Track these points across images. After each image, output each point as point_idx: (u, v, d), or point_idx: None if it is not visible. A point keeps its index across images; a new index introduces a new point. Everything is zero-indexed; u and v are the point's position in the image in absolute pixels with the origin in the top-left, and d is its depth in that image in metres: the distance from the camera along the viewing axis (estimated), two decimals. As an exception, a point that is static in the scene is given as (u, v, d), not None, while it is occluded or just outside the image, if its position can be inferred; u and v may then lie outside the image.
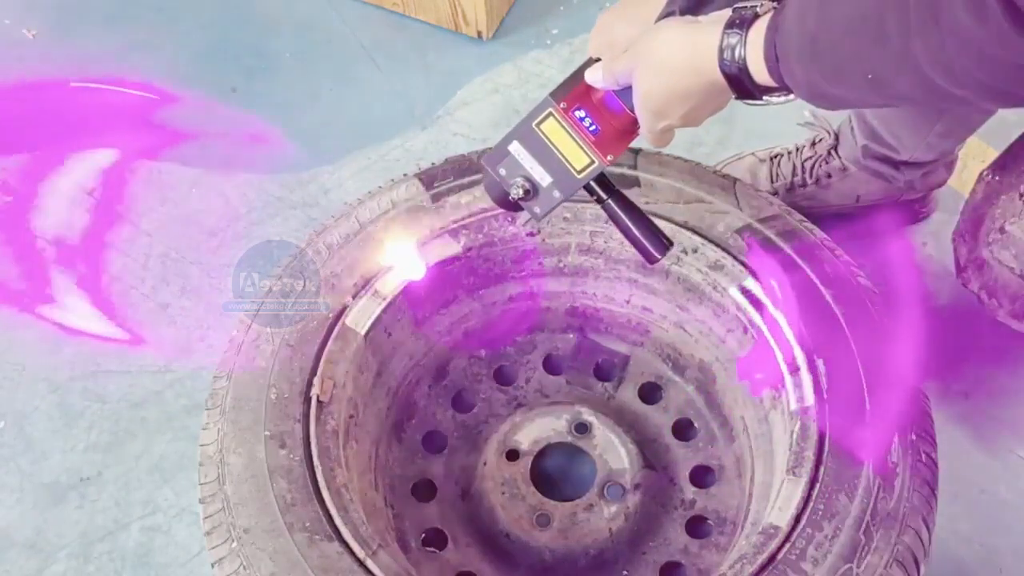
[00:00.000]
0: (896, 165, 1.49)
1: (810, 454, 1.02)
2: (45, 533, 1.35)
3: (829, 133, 1.56)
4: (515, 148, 1.00)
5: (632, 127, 0.98)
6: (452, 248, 1.20)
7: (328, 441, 1.06)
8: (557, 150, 0.98)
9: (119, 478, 1.39)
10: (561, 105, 0.97)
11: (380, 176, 1.70)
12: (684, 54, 0.87)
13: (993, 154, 1.43)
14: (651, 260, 1.02)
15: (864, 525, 0.97)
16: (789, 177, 1.57)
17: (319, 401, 1.07)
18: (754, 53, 0.81)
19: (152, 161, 1.75)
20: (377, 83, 1.87)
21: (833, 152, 1.55)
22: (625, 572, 1.21)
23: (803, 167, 1.56)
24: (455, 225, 1.20)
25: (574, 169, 0.98)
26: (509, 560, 1.21)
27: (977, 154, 1.67)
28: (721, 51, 0.83)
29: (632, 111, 0.95)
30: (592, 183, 1.01)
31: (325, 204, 1.69)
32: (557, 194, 1.00)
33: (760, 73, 0.82)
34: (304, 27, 1.97)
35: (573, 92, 0.98)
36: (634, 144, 1.03)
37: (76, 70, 1.90)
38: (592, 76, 0.96)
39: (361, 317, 1.15)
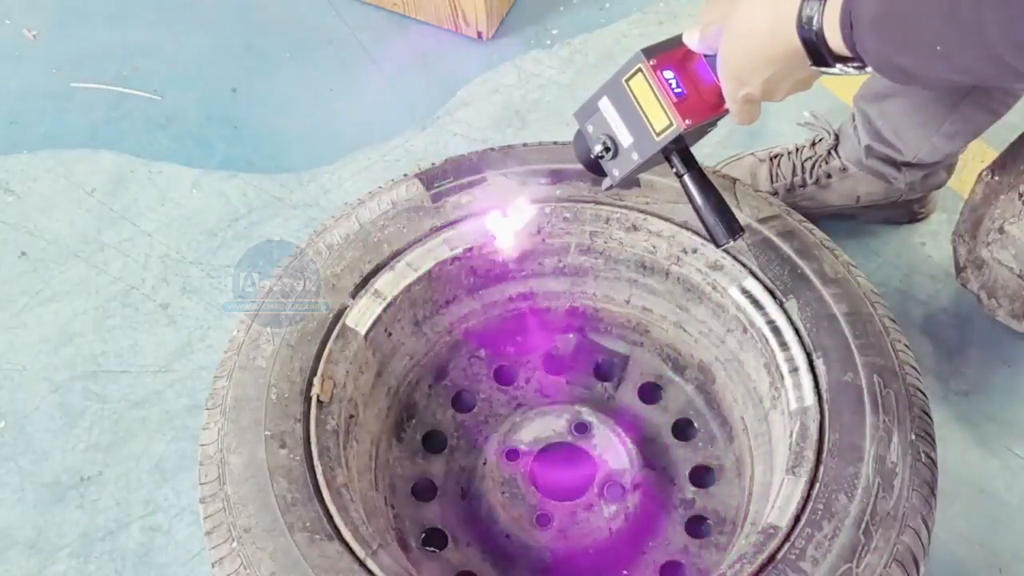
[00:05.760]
0: (898, 166, 1.49)
1: (810, 454, 1.03)
2: (46, 533, 1.35)
3: (829, 133, 1.56)
4: (604, 104, 0.99)
5: (719, 100, 0.97)
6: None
7: (328, 441, 1.06)
8: (640, 108, 0.96)
9: (119, 478, 1.39)
10: (651, 62, 0.95)
11: (380, 176, 1.70)
12: (766, 19, 0.88)
13: (993, 154, 1.43)
14: (718, 243, 1.03)
15: (864, 525, 0.97)
16: (789, 177, 1.57)
17: (319, 401, 1.07)
18: (831, 20, 0.82)
19: (152, 161, 1.75)
20: (377, 83, 1.88)
21: (833, 152, 1.55)
22: (625, 572, 1.21)
23: (803, 167, 1.56)
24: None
25: (653, 130, 0.96)
26: (509, 560, 1.21)
27: (977, 154, 1.67)
28: (800, 17, 0.84)
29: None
30: (673, 155, 0.99)
31: (325, 204, 1.69)
32: (635, 156, 0.99)
33: (835, 41, 0.83)
34: (304, 27, 1.97)
35: (667, 53, 0.97)
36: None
37: (76, 70, 1.90)
38: (688, 37, 0.97)
39: (361, 317, 1.15)
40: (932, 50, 0.75)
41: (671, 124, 0.95)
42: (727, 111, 0.98)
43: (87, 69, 1.90)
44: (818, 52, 0.85)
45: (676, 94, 0.95)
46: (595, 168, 1.05)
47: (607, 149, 1.00)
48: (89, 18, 1.99)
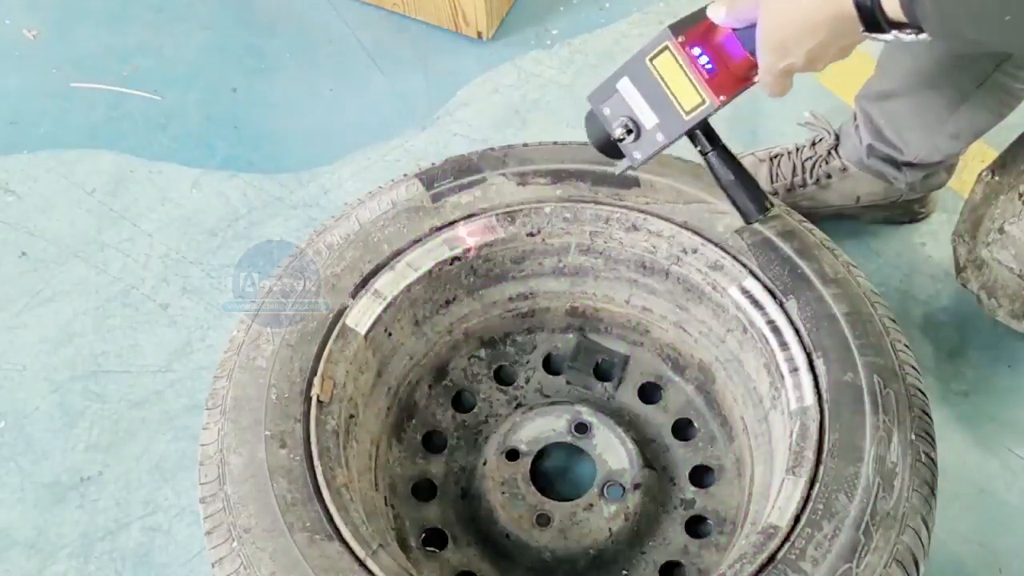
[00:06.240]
0: (899, 166, 1.49)
1: (810, 454, 1.03)
2: (46, 533, 1.35)
3: (829, 133, 1.56)
4: (623, 85, 0.97)
5: (749, 72, 0.95)
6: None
7: (328, 441, 1.06)
8: (667, 88, 0.94)
9: (119, 478, 1.39)
10: (679, 39, 0.93)
11: (380, 176, 1.70)
12: None
13: (993, 154, 1.43)
14: (748, 219, 1.02)
15: (864, 525, 0.97)
16: (789, 177, 1.57)
17: (319, 401, 1.07)
18: None
19: (152, 161, 1.75)
20: (377, 83, 1.88)
21: (833, 152, 1.55)
22: (625, 572, 1.21)
23: (803, 167, 1.56)
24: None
25: (683, 109, 0.95)
26: (509, 560, 1.21)
27: (977, 154, 1.67)
28: None
29: (752, 54, 0.93)
30: (698, 132, 0.98)
31: (325, 204, 1.69)
32: (660, 137, 0.97)
33: (892, 7, 0.81)
34: (304, 27, 1.97)
35: (693, 29, 0.94)
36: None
37: (76, 70, 1.90)
38: (714, 12, 0.95)
39: (361, 317, 1.15)
40: (999, 21, 0.73)
41: (704, 101, 0.94)
42: (754, 83, 0.96)
43: (87, 69, 1.90)
44: (873, 18, 0.83)
45: (707, 71, 0.93)
46: (610, 151, 1.03)
47: (629, 131, 0.98)
48: (89, 18, 1.99)
